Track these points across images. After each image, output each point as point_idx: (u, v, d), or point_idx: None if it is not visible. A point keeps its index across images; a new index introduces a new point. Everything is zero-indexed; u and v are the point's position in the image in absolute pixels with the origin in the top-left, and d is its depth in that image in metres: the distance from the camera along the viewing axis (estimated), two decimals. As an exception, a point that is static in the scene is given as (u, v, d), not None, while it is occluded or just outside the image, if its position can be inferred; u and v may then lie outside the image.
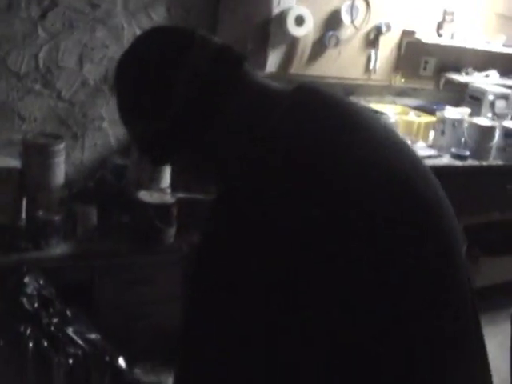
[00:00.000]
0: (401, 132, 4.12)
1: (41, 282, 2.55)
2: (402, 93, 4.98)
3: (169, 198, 3.39)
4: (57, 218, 3.10)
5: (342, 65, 4.39)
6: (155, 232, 3.29)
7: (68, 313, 2.54)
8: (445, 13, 4.65)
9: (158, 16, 3.73)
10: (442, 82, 5.03)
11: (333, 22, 4.22)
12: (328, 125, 1.20)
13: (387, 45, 4.53)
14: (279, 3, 3.88)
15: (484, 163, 4.45)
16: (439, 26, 4.70)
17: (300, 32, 3.98)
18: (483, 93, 4.91)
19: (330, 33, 4.20)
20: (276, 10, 3.88)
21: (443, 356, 1.15)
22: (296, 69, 4.19)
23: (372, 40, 4.43)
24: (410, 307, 1.12)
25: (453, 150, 4.40)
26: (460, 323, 1.21)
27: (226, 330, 1.11)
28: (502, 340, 4.10)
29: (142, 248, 3.31)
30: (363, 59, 4.48)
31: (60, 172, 3.29)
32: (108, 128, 3.77)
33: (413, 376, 1.12)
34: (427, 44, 4.63)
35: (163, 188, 3.51)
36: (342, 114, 1.26)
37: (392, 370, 1.10)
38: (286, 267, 1.06)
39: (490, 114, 4.83)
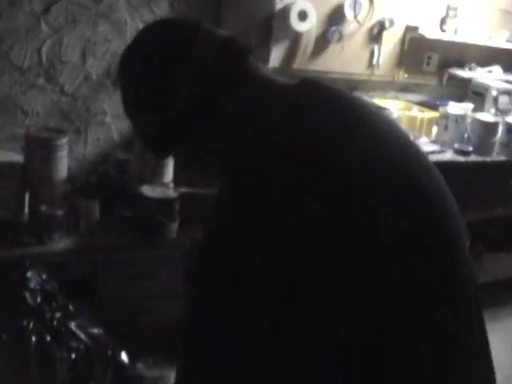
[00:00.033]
0: (404, 127, 4.12)
1: (43, 277, 2.56)
2: (405, 88, 4.97)
3: (171, 193, 3.39)
4: (59, 212, 3.10)
5: (345, 60, 4.38)
6: (158, 227, 3.29)
7: (71, 307, 2.54)
8: (448, 8, 4.64)
9: (161, 10, 3.72)
10: (445, 78, 5.02)
11: (336, 17, 4.20)
12: (331, 119, 1.20)
13: (390, 40, 4.52)
14: (282, -2, 3.88)
15: (487, 159, 4.45)
16: (442, 22, 4.68)
17: (303, 27, 3.97)
18: (486, 88, 4.90)
19: (333, 28, 4.19)
20: (279, 5, 3.87)
21: (446, 352, 1.15)
22: (299, 64, 4.18)
23: (375, 35, 4.42)
24: (413, 303, 1.12)
25: (456, 145, 4.39)
26: (463, 319, 1.21)
27: (229, 324, 1.11)
28: (505, 336, 4.11)
29: (144, 243, 3.31)
30: (366, 54, 4.47)
31: (63, 166, 3.29)
32: (111, 122, 3.77)
33: (416, 372, 1.12)
34: (430, 39, 4.62)
35: (166, 183, 3.51)
36: (345, 109, 1.25)
37: (395, 366, 1.10)
38: (289, 262, 1.06)
39: (493, 110, 4.82)
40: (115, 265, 3.23)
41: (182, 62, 1.22)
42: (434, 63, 4.90)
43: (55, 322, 2.43)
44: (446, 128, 4.49)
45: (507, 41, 4.93)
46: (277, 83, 1.29)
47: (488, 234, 4.64)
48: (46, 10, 3.41)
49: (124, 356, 2.55)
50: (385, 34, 4.43)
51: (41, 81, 3.52)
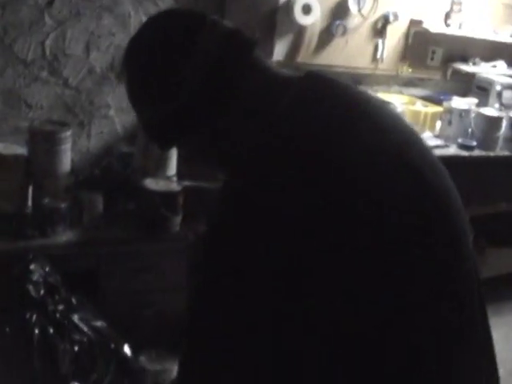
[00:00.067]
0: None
1: (47, 270, 2.56)
2: (409, 83, 4.97)
3: (175, 186, 3.39)
4: (63, 205, 3.11)
5: (349, 54, 4.38)
6: (161, 220, 3.29)
7: (74, 300, 2.54)
8: (452, 2, 4.64)
9: (165, 3, 3.72)
10: (449, 72, 5.02)
11: (340, 10, 4.20)
12: (335, 112, 1.20)
13: (394, 34, 4.51)
14: (286, -9, 3.87)
15: (491, 154, 4.44)
16: (447, 16, 4.68)
17: (307, 21, 3.97)
18: (490, 83, 4.90)
19: (338, 22, 4.19)
20: (283, -1, 3.88)
21: (449, 347, 1.15)
22: (303, 58, 4.18)
23: (379, 29, 4.42)
24: (416, 298, 1.12)
25: (460, 140, 4.39)
26: (467, 314, 1.21)
27: (232, 317, 1.11)
28: (508, 331, 4.12)
29: (147, 236, 3.31)
30: (370, 48, 4.47)
31: (66, 159, 3.29)
32: (114, 116, 3.77)
33: (419, 367, 1.12)
34: (435, 34, 4.62)
35: (169, 176, 3.51)
36: (349, 102, 1.25)
37: (395, 361, 1.10)
38: (290, 254, 1.06)
39: (497, 105, 4.82)
40: (118, 258, 3.23)
41: (187, 52, 1.22)
42: (438, 58, 4.89)
43: (58, 315, 2.43)
44: (449, 123, 4.49)
45: (511, 36, 4.93)
46: (281, 76, 1.29)
47: (491, 228, 4.64)
48: (50, 3, 3.41)
49: (127, 349, 2.56)
50: (389, 28, 4.43)
51: (44, 74, 3.52)
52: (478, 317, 1.25)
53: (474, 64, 4.99)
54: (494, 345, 1.31)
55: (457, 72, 5.00)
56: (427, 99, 4.82)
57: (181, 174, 3.55)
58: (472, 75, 5.02)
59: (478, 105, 4.71)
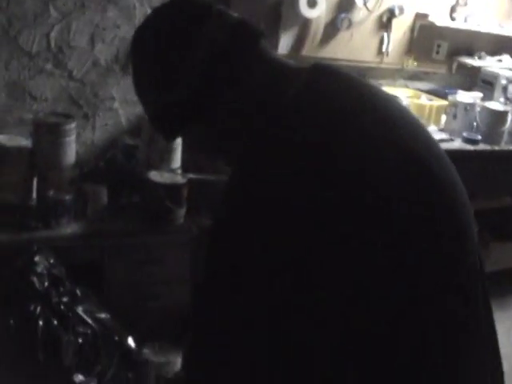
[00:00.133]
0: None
1: (51, 261, 2.56)
2: (414, 76, 4.96)
3: (179, 179, 3.39)
4: (67, 197, 3.11)
5: (354, 47, 4.37)
6: (165, 212, 3.29)
7: (78, 292, 2.55)
8: (458, -4, 4.63)
9: (170, -5, 3.71)
10: (454, 66, 5.01)
11: (345, 3, 4.20)
12: (342, 105, 1.19)
13: (400, 28, 4.51)
14: (292, -16, 3.87)
15: (496, 148, 4.44)
16: (452, 10, 4.67)
17: (312, 14, 3.96)
18: (496, 77, 4.89)
19: (343, 15, 4.19)
20: (288, -8, 3.88)
21: (456, 340, 1.15)
22: (308, 51, 4.18)
23: (385, 23, 4.41)
24: (424, 290, 1.12)
25: (464, 134, 4.38)
26: (471, 308, 1.21)
27: (232, 312, 1.11)
28: (511, 325, 4.11)
29: (152, 228, 3.31)
30: (376, 42, 4.46)
31: (71, 151, 3.30)
32: (119, 108, 3.77)
33: (425, 361, 1.12)
34: (440, 27, 4.61)
35: (174, 168, 3.51)
36: (356, 94, 1.25)
37: (407, 355, 1.10)
38: (300, 246, 1.05)
39: (502, 99, 4.81)
40: (123, 250, 3.23)
41: (193, 42, 1.22)
42: (443, 51, 4.88)
43: (62, 307, 2.44)
44: (454, 116, 4.48)
45: (517, 30, 4.92)
46: (288, 67, 1.28)
47: (496, 222, 4.64)
48: (55, -6, 3.41)
49: (131, 341, 2.56)
50: (394, 22, 4.42)
51: (49, 66, 3.52)
52: (482, 311, 1.24)
53: (480, 58, 4.98)
54: (498, 339, 1.31)
55: (462, 66, 4.99)
56: (432, 93, 4.81)
57: (185, 167, 3.56)
58: (477, 69, 5.01)
59: (483, 99, 4.70)
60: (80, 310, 2.48)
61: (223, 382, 1.12)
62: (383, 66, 4.61)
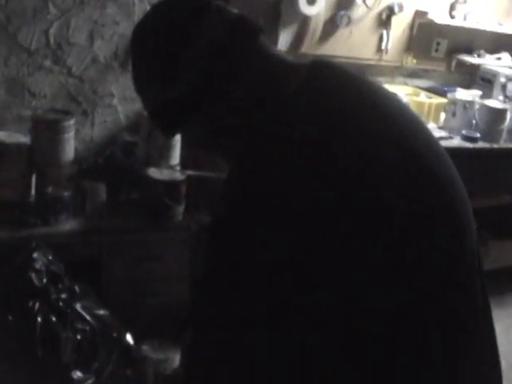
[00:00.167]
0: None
1: (50, 258, 2.56)
2: (413, 74, 4.96)
3: (178, 176, 3.39)
4: (66, 194, 3.11)
5: (353, 44, 4.37)
6: (164, 209, 3.29)
7: (76, 289, 2.55)
8: (458, -6, 4.63)
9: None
10: (453, 64, 5.01)
11: (345, 1, 4.20)
12: (342, 102, 1.19)
13: (399, 25, 4.51)
14: (291, -19, 3.87)
15: (495, 146, 4.44)
16: (452, 7, 4.67)
17: (312, 11, 3.96)
18: (495, 75, 4.89)
19: (342, 12, 4.19)
20: (288, -12, 3.87)
21: (456, 341, 1.15)
22: (307, 48, 4.18)
23: (384, 20, 4.42)
24: (424, 288, 1.11)
25: (463, 132, 4.38)
26: (471, 306, 1.20)
27: (229, 309, 1.11)
28: (510, 323, 4.12)
29: (150, 225, 3.31)
30: (375, 39, 4.46)
31: (70, 148, 3.30)
32: (118, 105, 3.77)
33: (426, 360, 1.11)
34: (439, 25, 4.61)
35: (173, 165, 3.51)
36: (357, 91, 1.24)
37: (406, 354, 1.10)
38: (299, 243, 1.05)
39: (501, 97, 4.81)
40: (121, 247, 3.23)
41: (193, 36, 1.22)
42: (442, 49, 4.88)
43: (61, 303, 2.44)
44: (453, 114, 4.48)
45: (516, 27, 4.92)
46: (287, 63, 1.28)
47: (494, 221, 4.63)
48: (54, -9, 3.41)
49: (129, 338, 2.56)
50: (394, 19, 4.42)
51: (48, 62, 3.51)
52: (481, 309, 1.24)
53: (479, 56, 4.98)
54: (496, 337, 1.31)
55: (461, 63, 4.99)
56: (431, 90, 4.81)
57: (184, 163, 3.56)
58: (476, 67, 5.01)
59: (482, 97, 4.70)
60: (79, 306, 2.48)
61: (222, 378, 1.12)
62: (382, 63, 4.61)
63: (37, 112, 3.41)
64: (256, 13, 3.77)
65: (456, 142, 4.33)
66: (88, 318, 2.47)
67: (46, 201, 3.07)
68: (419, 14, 4.53)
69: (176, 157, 3.54)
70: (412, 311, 1.10)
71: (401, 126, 1.21)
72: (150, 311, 3.23)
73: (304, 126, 1.13)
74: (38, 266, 2.48)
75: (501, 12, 4.95)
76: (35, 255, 2.52)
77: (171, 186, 3.30)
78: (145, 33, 1.31)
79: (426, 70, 5.01)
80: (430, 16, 4.50)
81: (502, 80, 4.84)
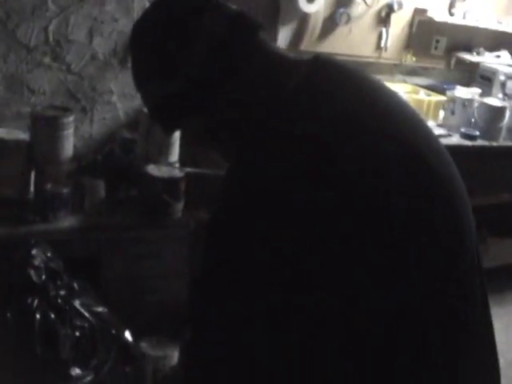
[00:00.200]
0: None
1: (48, 255, 2.56)
2: (412, 72, 4.95)
3: (177, 173, 3.39)
4: (65, 190, 3.11)
5: (352, 42, 4.37)
6: (163, 206, 3.29)
7: (75, 285, 2.55)
8: (457, -9, 4.63)
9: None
10: (452, 62, 5.00)
11: (344, -2, 4.20)
12: (342, 99, 1.18)
13: (399, 23, 4.50)
14: (290, -21, 3.86)
15: (494, 143, 4.43)
16: (451, 5, 4.67)
17: (311, 8, 3.96)
18: (494, 73, 4.88)
19: (341, 10, 4.18)
20: (287, -14, 3.87)
21: (456, 340, 1.15)
22: (306, 45, 4.18)
23: (383, 18, 4.41)
24: (423, 286, 1.11)
25: (462, 129, 4.38)
26: (470, 304, 1.20)
27: (227, 309, 1.10)
28: (509, 321, 4.12)
29: (149, 222, 3.31)
30: (374, 37, 4.46)
31: (69, 145, 3.30)
32: (117, 102, 3.77)
33: (426, 360, 1.11)
34: (439, 23, 4.61)
35: (172, 162, 3.51)
36: (356, 87, 1.24)
37: (406, 354, 1.09)
38: (299, 241, 1.04)
39: (500, 95, 4.81)
40: (120, 244, 3.23)
41: (192, 32, 1.21)
42: (441, 47, 4.88)
43: (60, 300, 2.44)
44: (452, 112, 4.48)
45: (516, 26, 4.92)
46: (287, 59, 1.27)
47: (493, 219, 4.63)
48: (54, -13, 3.41)
49: (128, 335, 2.56)
50: (393, 17, 4.42)
51: (47, 59, 3.51)
52: (480, 306, 1.24)
53: (478, 54, 4.98)
54: (494, 335, 1.31)
55: (460, 61, 4.98)
56: (430, 88, 4.81)
57: (183, 161, 3.56)
58: (476, 65, 5.01)
59: (482, 94, 4.70)
60: (77, 303, 2.49)
61: (221, 378, 1.12)
62: (382, 61, 4.61)
63: (36, 109, 3.41)
64: (255, 10, 3.77)
65: (455, 139, 4.32)
66: (87, 314, 2.47)
67: (45, 197, 3.07)
68: (418, 12, 4.53)
69: (175, 154, 3.54)
70: (412, 311, 1.09)
71: (400, 123, 1.20)
72: (149, 308, 3.23)
73: (304, 122, 1.12)
74: (36, 262, 2.48)
75: (500, 10, 4.94)
76: (34, 252, 2.52)
77: (170, 183, 3.30)
78: (144, 29, 1.31)
79: (425, 68, 5.00)
80: (430, 14, 4.50)
81: (502, 78, 4.83)
